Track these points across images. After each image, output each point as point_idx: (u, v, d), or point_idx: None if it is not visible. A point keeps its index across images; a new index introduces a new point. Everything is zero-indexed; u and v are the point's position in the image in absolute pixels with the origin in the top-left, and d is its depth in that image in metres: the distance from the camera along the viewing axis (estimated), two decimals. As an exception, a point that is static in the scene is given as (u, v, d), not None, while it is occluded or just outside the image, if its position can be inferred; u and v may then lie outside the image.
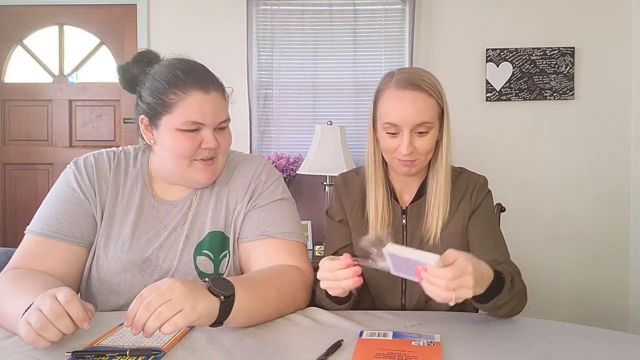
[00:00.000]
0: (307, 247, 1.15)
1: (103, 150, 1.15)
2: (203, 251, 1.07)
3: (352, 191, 1.21)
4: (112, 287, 1.05)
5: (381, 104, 1.12)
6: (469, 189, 1.17)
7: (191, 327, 0.91)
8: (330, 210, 1.25)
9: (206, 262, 1.07)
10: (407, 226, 1.17)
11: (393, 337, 0.88)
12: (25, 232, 1.05)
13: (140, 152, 1.15)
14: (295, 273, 1.03)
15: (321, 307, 1.04)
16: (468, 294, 0.79)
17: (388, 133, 1.10)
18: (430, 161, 1.16)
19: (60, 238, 1.03)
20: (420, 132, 1.08)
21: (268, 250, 1.07)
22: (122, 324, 0.92)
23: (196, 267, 1.06)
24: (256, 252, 1.07)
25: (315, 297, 1.09)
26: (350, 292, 0.99)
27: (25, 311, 0.80)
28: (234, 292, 0.83)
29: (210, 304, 0.79)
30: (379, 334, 0.89)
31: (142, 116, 1.06)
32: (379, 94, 1.14)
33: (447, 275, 0.77)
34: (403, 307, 1.18)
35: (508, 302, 0.95)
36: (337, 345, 0.83)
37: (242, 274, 1.10)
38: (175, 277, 0.81)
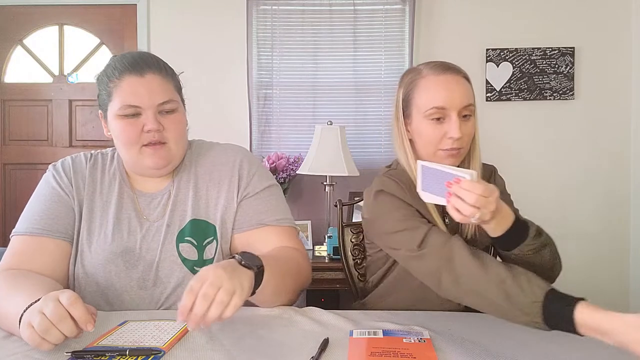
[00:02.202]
0: (297, 229, 1.20)
1: (81, 152, 1.18)
2: (185, 238, 1.08)
3: (412, 190, 1.08)
4: (98, 281, 1.06)
5: (420, 94, 1.09)
6: (486, 176, 1.21)
7: None
8: (396, 204, 1.10)
9: (189, 248, 1.08)
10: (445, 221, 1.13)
11: (383, 335, 0.89)
12: (10, 236, 1.06)
13: (116, 152, 1.17)
14: (295, 252, 1.10)
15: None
16: (487, 216, 0.84)
17: (433, 120, 1.07)
18: (468, 157, 1.14)
19: (45, 234, 1.04)
20: (465, 116, 1.07)
21: (266, 238, 1.11)
22: (121, 324, 0.92)
23: (179, 254, 1.07)
24: (254, 240, 1.11)
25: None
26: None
27: (24, 311, 0.80)
28: (262, 264, 0.89)
29: (250, 278, 0.84)
30: (369, 332, 0.90)
31: (99, 112, 1.12)
32: (412, 87, 1.11)
33: (478, 190, 0.81)
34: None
35: (538, 251, 0.97)
36: (325, 343, 0.84)
37: None
38: (210, 265, 0.83)
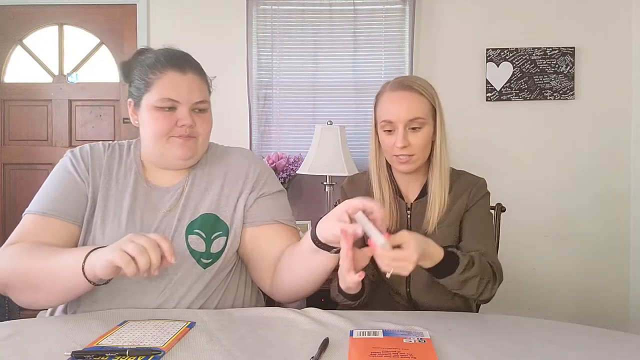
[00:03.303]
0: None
1: (99, 142, 1.21)
2: (194, 230, 1.11)
3: (359, 189, 1.30)
4: None
5: (379, 107, 1.24)
6: (468, 188, 1.25)
7: (191, 327, 0.91)
8: (339, 201, 1.33)
9: (198, 240, 1.10)
10: (411, 221, 1.25)
11: (383, 335, 0.89)
12: (23, 214, 1.09)
13: (133, 144, 1.21)
14: None
15: (336, 303, 1.14)
16: (405, 272, 0.91)
17: (385, 131, 1.21)
18: (430, 162, 1.24)
19: (55, 215, 1.07)
20: (413, 128, 1.18)
21: (277, 235, 1.16)
22: (121, 324, 0.92)
23: (188, 245, 1.10)
24: (266, 235, 1.16)
25: (330, 293, 1.17)
26: (362, 290, 1.08)
27: (91, 252, 0.91)
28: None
29: None
30: (369, 332, 0.90)
31: (129, 100, 1.15)
32: (377, 99, 1.26)
33: (388, 257, 0.90)
34: (408, 295, 1.25)
35: (465, 281, 1.06)
36: (325, 343, 0.84)
37: (245, 255, 1.18)
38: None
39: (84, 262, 0.91)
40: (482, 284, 1.08)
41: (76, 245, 1.09)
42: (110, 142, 1.22)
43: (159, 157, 1.14)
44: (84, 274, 0.91)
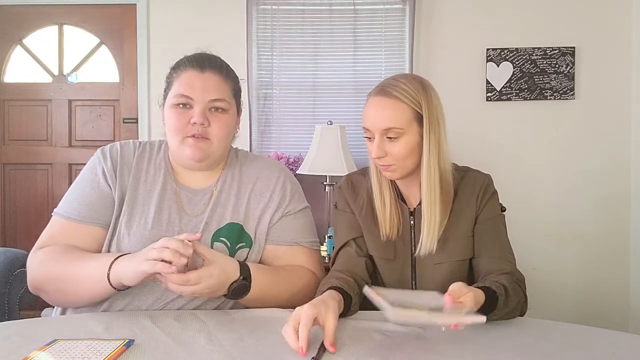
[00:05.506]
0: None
1: (130, 140, 1.22)
2: (220, 238, 1.12)
3: (360, 193, 1.23)
4: None
5: (364, 110, 1.16)
6: (475, 191, 1.17)
7: (128, 345, 0.84)
8: (338, 204, 1.28)
9: (222, 248, 1.11)
10: (414, 227, 1.18)
11: None
12: (52, 213, 1.12)
13: (163, 144, 1.21)
14: (312, 279, 1.16)
15: None
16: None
17: (366, 138, 1.15)
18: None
19: (80, 220, 1.09)
20: (390, 138, 1.10)
21: (295, 257, 1.18)
22: (50, 343, 0.84)
23: None
24: (284, 256, 1.17)
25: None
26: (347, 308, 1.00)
27: (112, 264, 0.96)
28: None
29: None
30: None
31: (160, 103, 1.18)
32: (366, 100, 1.18)
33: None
34: None
35: (503, 316, 0.99)
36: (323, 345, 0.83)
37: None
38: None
39: (109, 270, 0.96)
40: (517, 310, 1.03)
41: (103, 245, 1.10)
42: (140, 140, 1.22)
43: (176, 155, 1.14)
44: (109, 282, 0.97)
